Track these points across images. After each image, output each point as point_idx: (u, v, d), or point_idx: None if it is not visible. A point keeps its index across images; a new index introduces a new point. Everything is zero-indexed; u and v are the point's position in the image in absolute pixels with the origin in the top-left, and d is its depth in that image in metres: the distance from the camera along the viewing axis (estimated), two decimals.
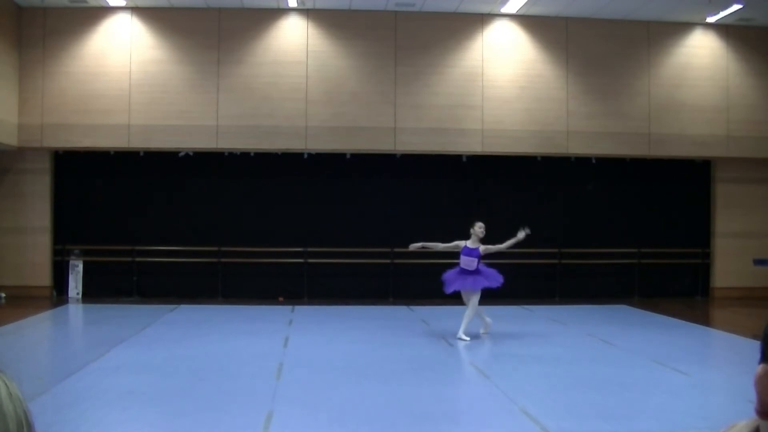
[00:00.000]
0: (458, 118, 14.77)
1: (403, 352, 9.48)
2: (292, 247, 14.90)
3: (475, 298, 10.20)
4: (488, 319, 10.64)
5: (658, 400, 7.04)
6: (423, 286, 15.07)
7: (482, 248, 10.21)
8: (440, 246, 10.54)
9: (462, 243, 10.34)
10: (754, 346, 1.22)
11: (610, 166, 15.49)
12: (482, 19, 14.89)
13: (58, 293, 14.62)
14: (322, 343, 10.04)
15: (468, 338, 10.20)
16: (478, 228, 10.26)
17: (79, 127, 14.24)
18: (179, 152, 14.80)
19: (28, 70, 14.25)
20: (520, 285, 15.28)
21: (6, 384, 1.01)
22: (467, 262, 10.19)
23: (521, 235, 10.16)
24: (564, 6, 14.36)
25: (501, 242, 10.33)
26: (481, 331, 10.60)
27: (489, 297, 15.10)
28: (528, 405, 6.70)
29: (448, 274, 10.43)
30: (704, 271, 15.77)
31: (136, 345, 9.73)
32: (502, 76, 14.91)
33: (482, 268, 10.31)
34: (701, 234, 15.79)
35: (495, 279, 10.27)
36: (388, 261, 15.07)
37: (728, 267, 15.55)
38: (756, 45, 15.31)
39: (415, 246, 10.58)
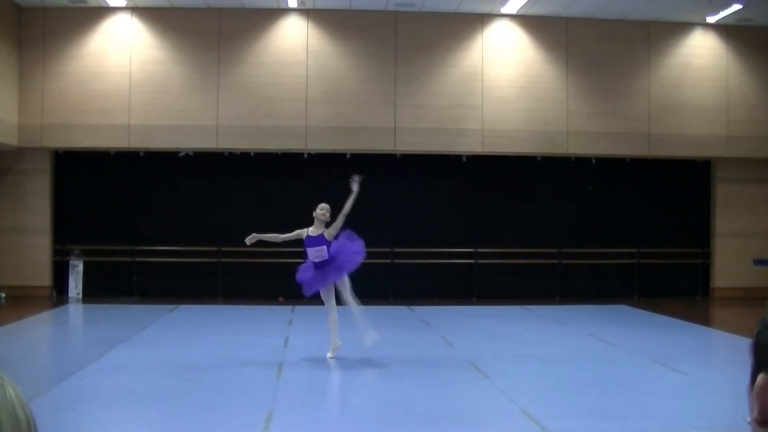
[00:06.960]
0: (458, 118, 14.76)
1: (403, 352, 9.47)
2: (292, 247, 14.86)
3: (332, 299, 8.90)
4: (338, 341, 8.99)
5: (658, 400, 7.04)
6: (423, 286, 15.12)
7: (327, 233, 8.76)
8: (281, 237, 8.99)
9: (304, 231, 8.85)
10: None
11: (610, 166, 15.48)
12: (482, 19, 14.89)
13: (58, 293, 14.61)
14: (322, 343, 10.02)
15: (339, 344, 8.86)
16: (320, 210, 8.81)
17: (79, 127, 14.24)
18: (179, 152, 14.80)
19: (28, 70, 14.26)
20: (520, 285, 15.33)
21: (12, 389, 1.02)
22: (316, 254, 8.71)
23: (355, 186, 9.00)
24: (564, 6, 14.37)
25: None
26: (329, 355, 8.96)
27: (489, 298, 15.27)
28: (528, 405, 6.69)
29: (304, 275, 8.98)
30: (704, 271, 15.76)
31: (136, 345, 9.73)
32: (502, 76, 14.91)
33: (336, 249, 8.76)
34: (701, 234, 15.78)
35: (354, 252, 8.82)
36: (388, 261, 15.06)
37: (728, 267, 15.54)
38: (756, 45, 15.31)
39: (250, 239, 8.80)
